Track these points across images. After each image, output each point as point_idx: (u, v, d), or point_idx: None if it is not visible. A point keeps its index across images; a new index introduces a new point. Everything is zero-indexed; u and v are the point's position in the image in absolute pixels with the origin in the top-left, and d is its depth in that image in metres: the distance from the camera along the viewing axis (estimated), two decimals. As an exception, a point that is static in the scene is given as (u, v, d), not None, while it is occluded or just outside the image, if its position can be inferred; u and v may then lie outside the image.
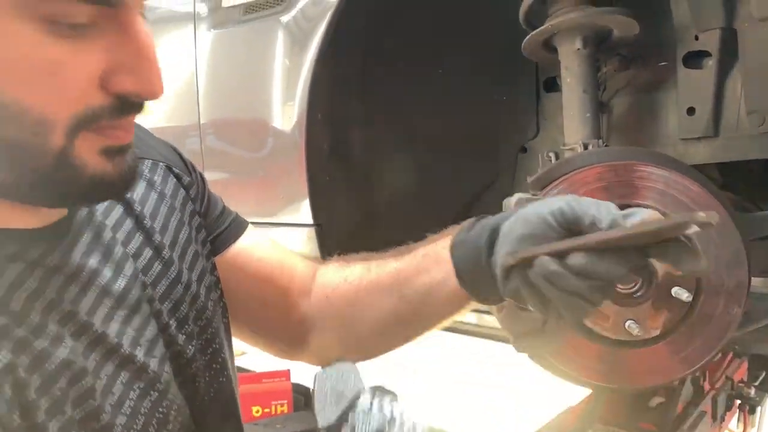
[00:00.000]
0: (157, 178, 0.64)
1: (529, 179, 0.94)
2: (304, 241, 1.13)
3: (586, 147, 1.02)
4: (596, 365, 0.89)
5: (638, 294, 0.85)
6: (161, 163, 0.65)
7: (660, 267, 0.83)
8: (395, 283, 0.67)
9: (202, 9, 1.36)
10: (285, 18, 1.16)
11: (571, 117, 1.06)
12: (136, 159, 0.49)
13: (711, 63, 1.07)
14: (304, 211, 1.11)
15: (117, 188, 0.48)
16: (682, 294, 0.83)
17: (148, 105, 0.47)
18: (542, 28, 1.05)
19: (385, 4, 1.16)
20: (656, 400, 1.66)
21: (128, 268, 0.55)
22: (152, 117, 1.39)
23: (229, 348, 0.67)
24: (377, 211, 1.24)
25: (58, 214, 0.50)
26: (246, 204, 1.03)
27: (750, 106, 1.04)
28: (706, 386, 1.59)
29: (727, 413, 1.67)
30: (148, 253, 0.58)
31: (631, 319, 0.85)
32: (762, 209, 1.21)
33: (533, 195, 0.89)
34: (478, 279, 0.61)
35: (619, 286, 0.85)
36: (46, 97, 0.41)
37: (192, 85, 1.31)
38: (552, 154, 1.12)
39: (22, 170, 0.43)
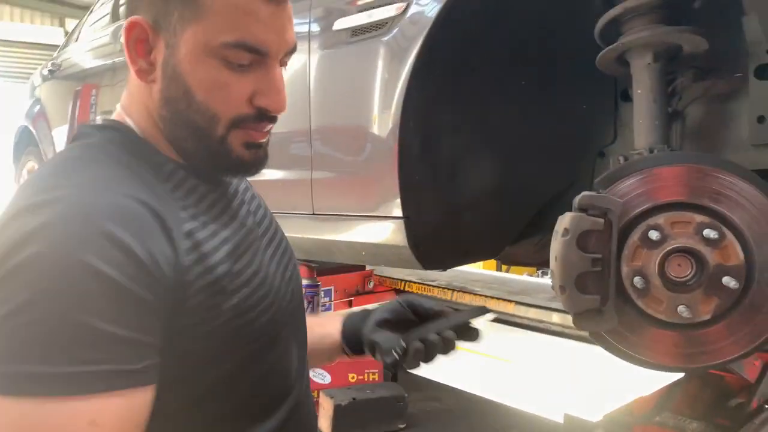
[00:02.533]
0: None
1: (596, 180, 1.06)
2: (395, 230, 1.30)
3: (651, 151, 1.12)
4: (651, 345, 0.99)
5: (690, 281, 0.95)
6: None
7: (712, 258, 0.94)
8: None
9: (315, 30, 1.58)
10: (386, 38, 1.34)
11: (640, 125, 1.17)
12: (266, 155, 0.73)
13: (781, 74, 1.13)
14: (395, 206, 1.29)
15: (249, 169, 0.72)
16: (730, 282, 0.92)
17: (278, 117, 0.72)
18: (614, 45, 1.16)
19: (474, 24, 1.31)
20: (736, 401, 1.69)
21: (252, 216, 0.80)
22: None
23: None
24: (462, 207, 1.39)
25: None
26: (347, 199, 1.21)
27: (817, 115, 1.09)
28: (785, 388, 1.60)
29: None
30: (261, 212, 0.83)
31: (683, 304, 0.95)
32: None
33: (598, 193, 1.02)
34: (351, 340, 0.90)
35: (672, 274, 0.96)
36: (218, 102, 0.67)
37: (305, 96, 1.53)
38: (622, 158, 1.22)
39: (199, 144, 0.68)
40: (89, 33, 3.16)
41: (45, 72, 3.41)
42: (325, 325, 0.93)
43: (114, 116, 0.72)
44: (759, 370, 1.57)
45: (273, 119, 0.71)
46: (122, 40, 0.67)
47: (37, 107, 3.42)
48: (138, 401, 0.54)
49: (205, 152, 0.68)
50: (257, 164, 0.72)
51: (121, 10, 2.93)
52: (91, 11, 3.40)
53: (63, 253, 0.52)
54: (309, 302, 2.82)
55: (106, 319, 0.52)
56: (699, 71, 1.30)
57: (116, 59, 2.54)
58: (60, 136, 3.06)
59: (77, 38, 3.34)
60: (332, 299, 3.24)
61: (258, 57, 0.66)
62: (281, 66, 0.70)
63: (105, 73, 2.64)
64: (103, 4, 3.25)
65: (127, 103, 0.72)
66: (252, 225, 0.77)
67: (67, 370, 0.50)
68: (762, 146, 1.19)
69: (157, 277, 0.57)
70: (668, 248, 0.96)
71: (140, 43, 0.66)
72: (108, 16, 3.06)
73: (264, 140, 0.71)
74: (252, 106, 0.67)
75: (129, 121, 0.70)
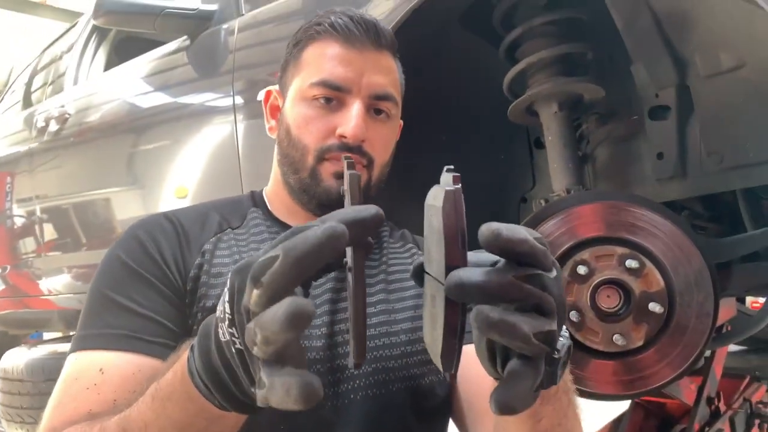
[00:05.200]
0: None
1: (522, 223, 1.11)
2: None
3: (569, 192, 1.20)
4: (592, 376, 1.03)
5: (620, 311, 1.01)
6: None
7: (636, 286, 1.00)
8: None
9: (240, 102, 1.61)
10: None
11: (555, 169, 1.25)
12: None
13: (672, 115, 1.25)
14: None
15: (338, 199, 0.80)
16: (656, 307, 0.98)
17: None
18: (522, 97, 1.25)
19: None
20: (679, 427, 1.75)
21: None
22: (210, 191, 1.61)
23: None
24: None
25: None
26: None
27: (709, 148, 1.21)
28: (722, 407, 1.68)
29: (750, 432, 1.74)
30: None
31: (617, 333, 1.00)
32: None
33: (525, 235, 1.07)
34: None
35: (603, 305, 1.01)
36: (307, 135, 0.78)
37: (236, 165, 1.54)
38: (543, 201, 1.29)
39: (296, 177, 0.80)
40: (1, 120, 3.06)
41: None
42: None
43: None
44: (695, 393, 1.65)
45: (353, 149, 0.77)
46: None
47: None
48: (143, 366, 0.66)
49: (300, 185, 0.80)
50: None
51: (34, 96, 2.87)
52: (2, 99, 3.30)
53: (109, 250, 0.77)
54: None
55: (123, 294, 0.71)
56: (600, 116, 1.41)
57: (32, 145, 2.46)
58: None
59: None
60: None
61: (339, 94, 0.77)
62: (378, 114, 0.80)
63: (21, 159, 2.55)
64: (13, 92, 3.17)
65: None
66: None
67: (94, 331, 0.69)
68: (664, 180, 1.29)
69: (163, 269, 0.73)
70: (596, 281, 1.01)
71: (273, 108, 0.85)
72: (19, 104, 2.99)
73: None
74: (335, 136, 0.77)
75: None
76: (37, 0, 6.92)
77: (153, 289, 0.72)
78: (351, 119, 0.76)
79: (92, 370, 0.66)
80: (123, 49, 2.65)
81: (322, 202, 0.78)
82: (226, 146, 1.60)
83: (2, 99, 3.29)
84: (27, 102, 2.90)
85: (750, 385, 1.89)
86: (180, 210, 0.84)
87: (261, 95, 0.90)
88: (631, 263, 1.00)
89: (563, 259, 1.04)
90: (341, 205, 0.67)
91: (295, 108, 0.79)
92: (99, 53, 2.52)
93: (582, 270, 1.02)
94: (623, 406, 1.83)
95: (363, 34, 0.78)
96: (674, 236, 1.02)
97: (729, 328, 1.58)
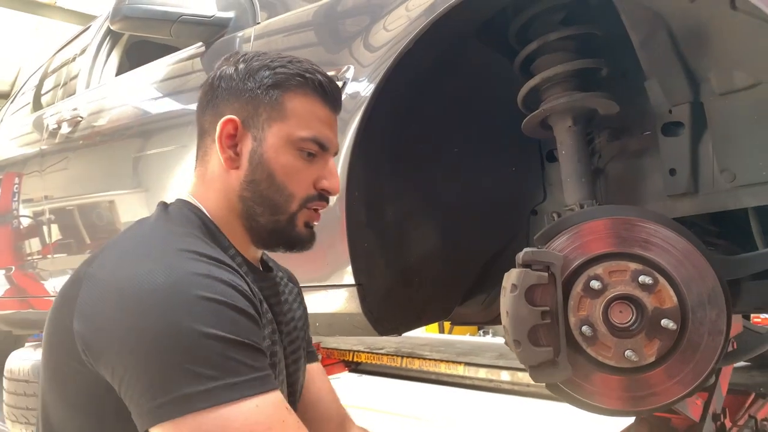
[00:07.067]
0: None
1: (535, 237, 1.12)
2: (348, 298, 1.31)
3: (582, 206, 1.20)
4: (603, 391, 1.03)
5: (633, 326, 1.01)
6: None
7: (649, 302, 1.01)
8: None
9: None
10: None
11: (568, 183, 1.26)
12: (315, 235, 0.92)
13: (685, 131, 1.26)
14: (347, 273, 1.30)
15: (305, 244, 0.91)
16: (669, 324, 0.99)
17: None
18: (537, 111, 1.26)
19: (408, 99, 1.39)
20: (683, 442, 1.75)
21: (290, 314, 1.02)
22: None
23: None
24: (411, 271, 1.42)
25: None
26: (300, 271, 1.21)
27: (721, 166, 1.22)
28: (728, 423, 1.67)
29: (754, 450, 1.74)
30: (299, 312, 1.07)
31: (629, 349, 1.00)
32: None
33: (539, 248, 1.08)
34: None
35: (616, 320, 1.01)
36: (294, 184, 0.86)
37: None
38: (555, 214, 1.30)
39: (271, 218, 0.86)
40: (10, 122, 3.08)
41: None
42: None
43: (186, 198, 0.88)
44: (701, 409, 1.65)
45: (327, 200, 0.91)
46: (216, 135, 0.85)
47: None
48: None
49: (273, 225, 0.86)
50: (311, 240, 0.91)
51: (44, 99, 2.89)
52: (12, 100, 3.32)
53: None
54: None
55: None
56: (613, 131, 1.42)
57: (43, 147, 2.48)
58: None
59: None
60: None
61: (321, 151, 0.88)
62: None
63: (30, 160, 2.57)
64: (23, 93, 3.19)
65: (202, 190, 0.88)
66: (287, 321, 0.97)
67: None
68: (676, 196, 1.30)
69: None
70: (609, 296, 1.01)
71: (229, 137, 0.84)
72: (29, 106, 3.01)
73: (317, 222, 0.92)
74: (315, 188, 0.88)
75: (200, 206, 0.86)
76: (46, 1, 6.95)
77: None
78: (334, 176, 0.90)
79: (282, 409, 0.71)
80: (134, 54, 2.67)
81: (291, 244, 0.90)
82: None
83: (12, 101, 3.31)
84: (37, 104, 2.92)
85: (755, 401, 1.89)
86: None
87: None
88: (645, 279, 1.00)
89: (577, 273, 1.04)
90: (305, 245, 0.91)
91: (282, 155, 0.85)
92: (112, 57, 2.54)
93: (595, 285, 1.02)
94: (628, 420, 1.82)
95: (337, 98, 0.92)
96: (688, 253, 1.03)
97: (735, 345, 1.58)
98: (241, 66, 0.86)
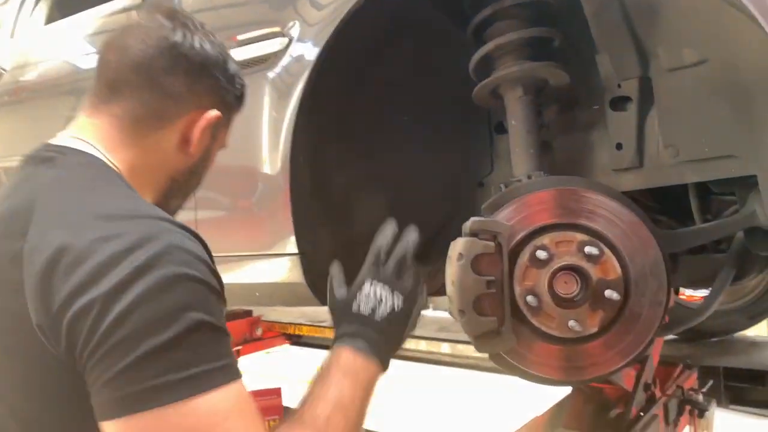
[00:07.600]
0: None
1: (482, 206, 1.10)
2: (290, 268, 1.26)
3: (530, 178, 1.19)
4: (546, 361, 1.03)
5: (577, 297, 1.01)
6: None
7: (594, 273, 1.01)
8: None
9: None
10: (270, 74, 1.32)
11: (517, 154, 1.24)
12: None
13: (632, 106, 1.27)
14: (290, 243, 1.26)
15: None
16: (612, 295, 0.99)
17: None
18: (488, 79, 1.23)
19: (356, 63, 1.34)
20: (615, 411, 1.81)
21: None
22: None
23: None
24: (355, 241, 1.38)
25: None
26: (239, 239, 1.16)
27: (666, 141, 1.23)
28: (657, 393, 1.74)
29: (681, 418, 1.82)
30: None
31: (573, 319, 1.01)
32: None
33: (485, 218, 1.06)
34: None
35: (560, 291, 1.01)
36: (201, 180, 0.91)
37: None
38: (503, 185, 1.28)
39: (178, 203, 0.90)
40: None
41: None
42: None
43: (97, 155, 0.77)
44: (634, 379, 1.70)
45: None
46: (200, 122, 0.82)
47: None
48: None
49: (175, 210, 0.89)
50: None
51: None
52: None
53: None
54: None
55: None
56: (563, 104, 1.42)
57: None
58: None
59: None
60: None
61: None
62: None
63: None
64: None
65: (123, 147, 0.78)
66: None
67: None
68: (621, 170, 1.31)
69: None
70: (555, 266, 1.01)
71: (209, 128, 0.83)
72: None
73: None
74: None
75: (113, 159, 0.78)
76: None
77: None
78: None
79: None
80: (65, 5, 2.48)
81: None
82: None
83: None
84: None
85: (683, 372, 1.98)
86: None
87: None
88: (591, 250, 1.00)
89: (523, 243, 1.03)
90: None
91: (213, 157, 0.90)
92: (40, 5, 2.34)
93: (542, 255, 1.02)
94: (565, 390, 1.87)
95: None
96: (633, 225, 1.04)
97: (667, 319, 1.63)
98: (221, 57, 0.85)
